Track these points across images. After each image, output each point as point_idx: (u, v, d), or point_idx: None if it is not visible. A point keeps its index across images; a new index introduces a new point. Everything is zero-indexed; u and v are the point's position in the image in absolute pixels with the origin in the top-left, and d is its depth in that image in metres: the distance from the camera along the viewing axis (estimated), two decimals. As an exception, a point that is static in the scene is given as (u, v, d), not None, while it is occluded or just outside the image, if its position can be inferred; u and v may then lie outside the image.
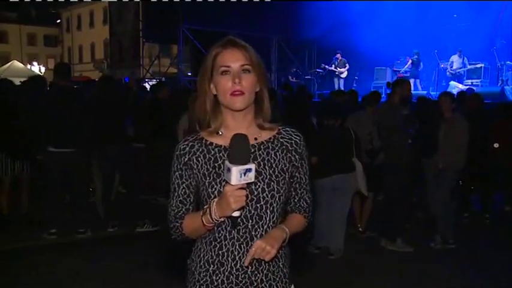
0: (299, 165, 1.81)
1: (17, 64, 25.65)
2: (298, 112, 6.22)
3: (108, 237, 6.07)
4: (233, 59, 1.69)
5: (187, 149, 1.76)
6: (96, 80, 10.01)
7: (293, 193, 1.83)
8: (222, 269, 1.73)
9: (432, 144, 5.87)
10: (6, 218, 6.30)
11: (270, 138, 1.78)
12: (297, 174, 1.81)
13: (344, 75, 16.62)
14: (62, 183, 5.96)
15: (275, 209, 1.73)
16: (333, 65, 16.74)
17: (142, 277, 4.80)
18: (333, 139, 5.48)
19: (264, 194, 1.70)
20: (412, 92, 11.48)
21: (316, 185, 5.51)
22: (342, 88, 15.06)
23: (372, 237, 6.21)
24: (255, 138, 1.75)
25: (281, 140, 1.79)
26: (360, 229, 6.35)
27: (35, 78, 7.38)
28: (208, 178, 1.72)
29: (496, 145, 6.94)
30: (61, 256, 5.38)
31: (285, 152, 1.78)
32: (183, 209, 1.77)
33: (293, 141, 1.80)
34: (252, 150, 1.70)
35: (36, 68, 32.02)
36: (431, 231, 5.98)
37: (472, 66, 14.63)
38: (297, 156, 1.80)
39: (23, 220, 6.33)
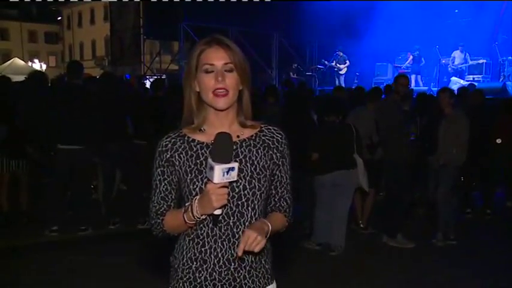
0: (280, 163, 1.82)
1: (18, 61, 25.64)
2: (298, 108, 6.19)
3: (109, 235, 6.08)
4: (217, 57, 1.70)
5: (170, 145, 1.77)
6: (97, 77, 9.99)
7: (273, 192, 1.84)
8: (205, 266, 1.74)
9: (433, 141, 5.86)
10: (6, 216, 6.30)
11: (252, 136, 1.80)
12: (277, 172, 1.82)
13: (343, 71, 16.58)
14: (66, 181, 5.96)
15: (256, 206, 1.74)
16: (334, 61, 16.71)
17: (142, 274, 4.80)
18: (334, 135, 5.46)
19: (246, 191, 1.72)
20: (413, 88, 11.47)
21: (317, 182, 5.51)
22: (343, 84, 15.03)
23: (373, 234, 6.20)
24: (237, 136, 1.76)
25: (263, 137, 1.81)
26: (361, 225, 6.34)
27: (34, 76, 7.36)
28: (190, 175, 1.72)
29: (498, 141, 6.93)
30: (61, 254, 5.38)
31: (266, 149, 1.79)
32: (165, 206, 1.78)
33: (275, 139, 1.82)
34: (234, 147, 1.72)
35: (37, 66, 32.05)
36: (433, 228, 5.97)
37: (474, 62, 14.59)
38: (278, 154, 1.81)
39: (23, 218, 6.34)
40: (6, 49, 46.54)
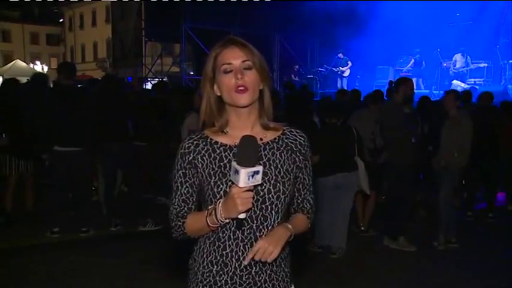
0: (303, 166, 1.81)
1: (19, 63, 25.76)
2: (300, 111, 6.19)
3: (110, 236, 6.08)
4: (234, 56, 1.68)
5: (192, 147, 1.74)
6: (99, 78, 10.01)
7: (296, 194, 1.83)
8: (225, 270, 1.71)
9: (437, 143, 5.86)
10: (10, 216, 6.33)
11: (275, 139, 1.78)
12: (300, 175, 1.81)
13: (346, 74, 16.59)
14: (66, 182, 5.98)
15: (280, 210, 1.73)
16: (337, 66, 16.72)
17: (143, 275, 4.81)
18: (335, 138, 5.47)
19: (270, 195, 1.69)
20: (415, 91, 11.46)
21: (318, 184, 5.50)
22: (345, 87, 15.05)
23: (374, 236, 6.20)
24: (261, 139, 1.74)
25: (286, 140, 1.79)
26: (363, 228, 6.34)
27: (35, 77, 7.41)
28: (213, 178, 1.70)
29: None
30: (62, 254, 5.38)
31: (289, 152, 1.78)
32: (186, 208, 1.75)
33: (297, 142, 1.80)
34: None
35: (39, 67, 32.02)
36: (434, 230, 5.96)
37: (475, 66, 14.60)
38: (301, 157, 1.80)
39: (26, 218, 6.36)
40: (8, 50, 46.66)
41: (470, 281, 4.98)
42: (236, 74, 1.66)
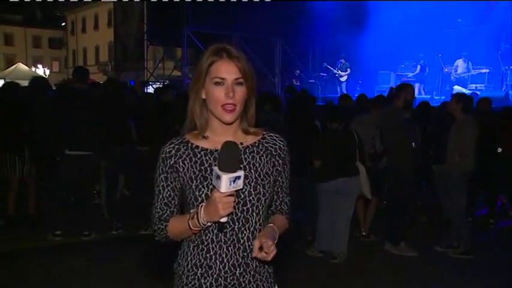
0: (281, 169, 1.85)
1: (21, 67, 25.84)
2: (301, 115, 6.20)
3: (111, 239, 6.09)
4: (228, 71, 1.71)
5: (173, 152, 1.77)
6: (101, 82, 10.05)
7: (275, 197, 1.88)
8: (210, 272, 1.75)
9: (438, 149, 5.84)
10: (12, 219, 6.33)
11: (254, 143, 1.82)
12: (279, 178, 1.86)
13: (344, 78, 16.69)
14: (70, 185, 6.00)
15: (260, 212, 1.77)
16: (336, 68, 16.79)
17: (143, 278, 4.82)
18: (337, 142, 5.47)
19: (251, 197, 1.73)
20: (416, 96, 11.46)
21: (319, 189, 5.51)
22: (344, 91, 15.09)
23: (376, 241, 6.19)
24: (241, 143, 1.77)
25: (265, 144, 1.83)
26: (364, 233, 6.33)
27: (34, 80, 7.44)
28: (195, 181, 1.73)
29: (499, 150, 6.92)
30: (63, 257, 5.40)
31: (269, 156, 1.82)
32: (168, 212, 1.80)
33: (277, 146, 1.85)
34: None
35: (41, 71, 32.17)
36: (436, 233, 5.94)
37: (477, 71, 14.61)
38: (280, 161, 1.84)
39: (28, 221, 6.36)
40: (10, 54, 46.80)
41: (470, 281, 5.01)
42: (228, 91, 1.70)
